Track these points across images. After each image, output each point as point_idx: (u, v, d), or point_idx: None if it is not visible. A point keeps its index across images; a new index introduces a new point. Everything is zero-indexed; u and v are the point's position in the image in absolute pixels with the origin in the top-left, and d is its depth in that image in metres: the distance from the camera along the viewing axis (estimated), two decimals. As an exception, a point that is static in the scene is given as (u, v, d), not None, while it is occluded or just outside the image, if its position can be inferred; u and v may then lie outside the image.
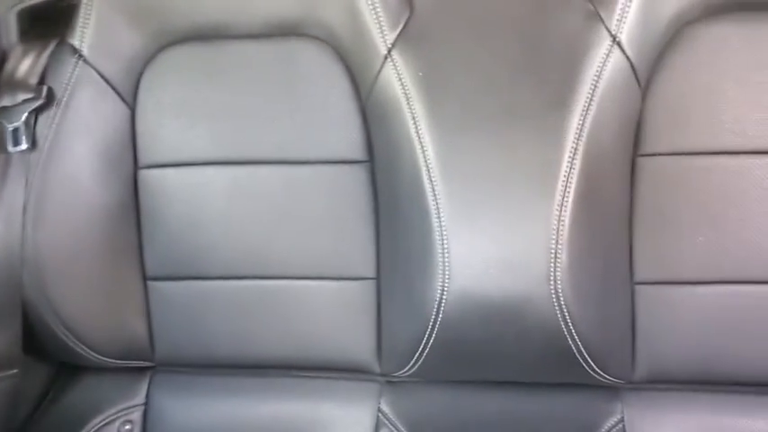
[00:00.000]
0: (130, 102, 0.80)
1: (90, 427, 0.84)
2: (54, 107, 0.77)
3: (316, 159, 0.78)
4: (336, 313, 0.80)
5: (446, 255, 0.69)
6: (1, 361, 0.77)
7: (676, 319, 0.75)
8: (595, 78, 0.69)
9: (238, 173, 0.79)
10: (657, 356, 0.76)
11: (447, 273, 0.69)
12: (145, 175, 0.81)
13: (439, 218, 0.69)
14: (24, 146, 0.76)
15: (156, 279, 0.83)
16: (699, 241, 0.73)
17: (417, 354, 0.74)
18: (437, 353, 0.73)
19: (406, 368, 0.77)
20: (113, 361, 0.84)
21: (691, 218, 0.73)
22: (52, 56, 0.78)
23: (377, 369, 0.81)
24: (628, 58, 0.70)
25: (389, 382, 0.82)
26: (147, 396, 0.86)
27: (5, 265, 0.76)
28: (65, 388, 0.88)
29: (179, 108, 0.80)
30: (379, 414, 0.81)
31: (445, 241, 0.69)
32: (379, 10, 0.73)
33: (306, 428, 0.82)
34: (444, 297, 0.69)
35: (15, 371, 0.78)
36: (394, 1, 0.73)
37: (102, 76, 0.78)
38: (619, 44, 0.69)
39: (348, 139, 0.78)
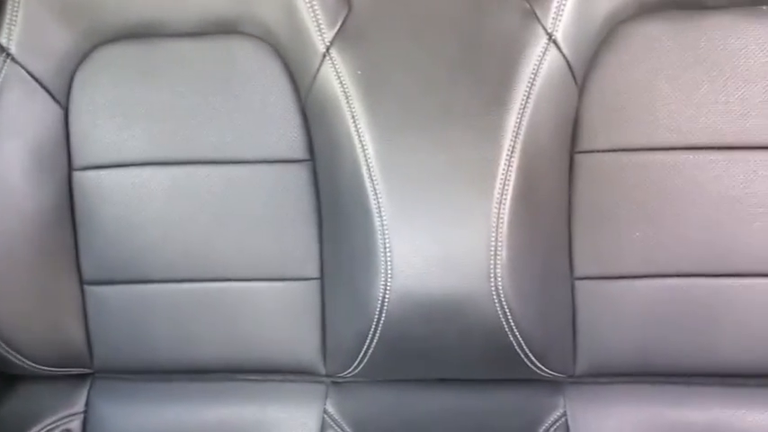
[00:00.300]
0: (63, 101, 0.77)
1: None
2: None
3: (256, 159, 0.77)
4: (280, 315, 0.79)
5: (388, 253, 0.69)
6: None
7: (616, 314, 0.76)
8: (532, 76, 0.70)
9: (177, 173, 0.78)
10: (598, 350, 0.77)
11: (389, 271, 0.69)
12: (80, 176, 0.79)
13: (380, 217, 0.69)
14: None
15: (93, 283, 0.81)
16: (636, 236, 0.74)
17: (362, 353, 0.74)
18: (381, 352, 0.73)
19: (351, 368, 0.77)
20: (50, 369, 0.81)
21: (628, 213, 0.74)
22: None
23: (322, 370, 0.80)
24: (564, 56, 0.70)
25: (335, 383, 0.82)
26: (87, 404, 0.83)
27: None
28: (2, 399, 0.85)
29: (114, 108, 0.77)
30: (325, 415, 0.80)
31: (387, 240, 0.69)
32: (316, 8, 0.72)
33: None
34: (387, 296, 0.69)
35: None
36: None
37: (32, 75, 0.75)
38: (555, 42, 0.70)
39: (288, 138, 0.77)
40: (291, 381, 0.82)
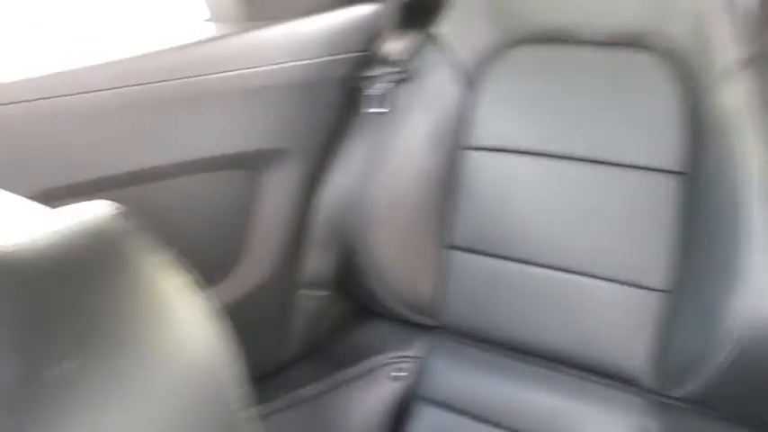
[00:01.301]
0: (474, 89, 0.90)
1: (369, 363, 0.94)
2: (409, 83, 0.90)
3: (629, 164, 0.80)
4: (616, 317, 0.81)
5: (753, 277, 0.66)
6: (317, 281, 0.91)
7: None
8: None
9: (552, 166, 0.85)
10: None
11: (751, 296, 0.66)
12: (466, 155, 0.91)
13: (751, 240, 0.67)
14: (378, 110, 0.90)
15: (458, 248, 0.91)
16: None
17: (699, 376, 0.72)
18: (723, 378, 0.70)
19: (682, 388, 0.75)
20: (404, 312, 0.94)
21: None
22: (417, 41, 0.92)
23: (647, 384, 0.79)
24: None
25: (659, 402, 0.80)
26: (424, 351, 0.94)
27: (342, 207, 0.91)
28: (357, 324, 1.00)
29: (513, 101, 0.88)
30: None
31: (754, 264, 0.67)
32: (734, 24, 0.73)
33: (561, 425, 0.83)
34: (744, 321, 0.66)
35: (327, 293, 0.93)
36: (753, 17, 0.73)
37: (456, 64, 0.89)
38: None
39: (666, 150, 0.79)
40: (614, 387, 0.82)
